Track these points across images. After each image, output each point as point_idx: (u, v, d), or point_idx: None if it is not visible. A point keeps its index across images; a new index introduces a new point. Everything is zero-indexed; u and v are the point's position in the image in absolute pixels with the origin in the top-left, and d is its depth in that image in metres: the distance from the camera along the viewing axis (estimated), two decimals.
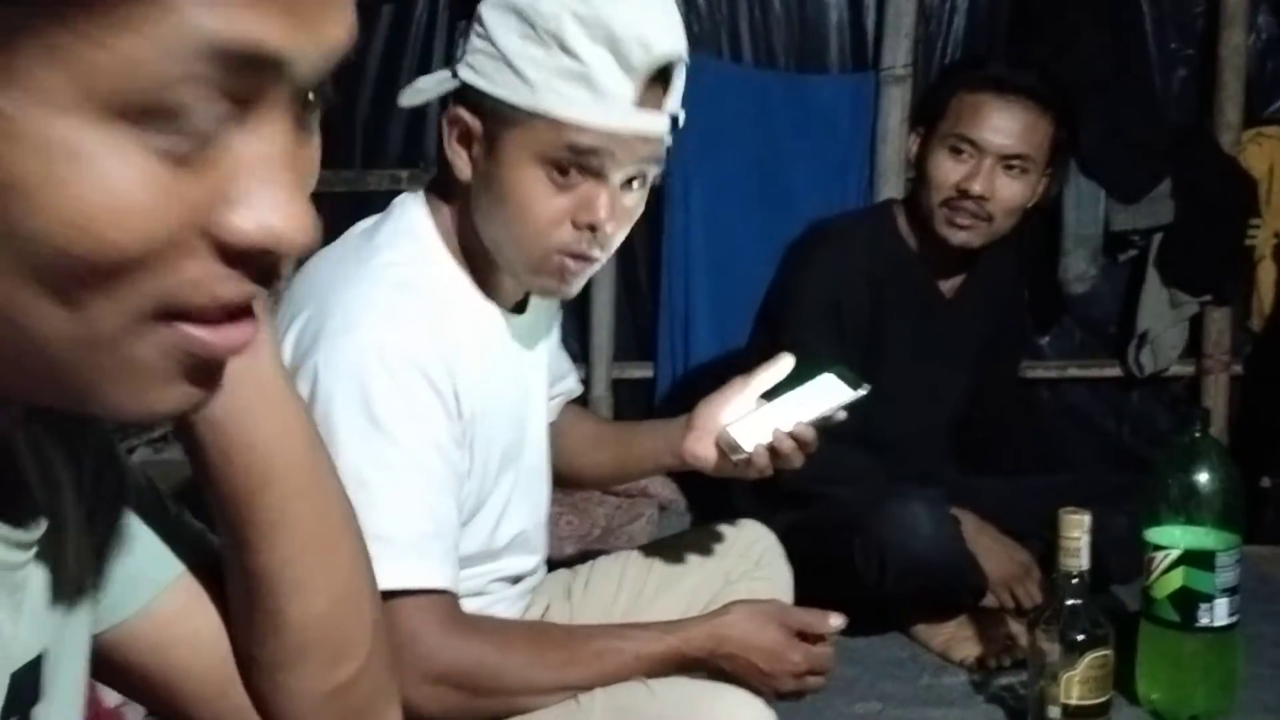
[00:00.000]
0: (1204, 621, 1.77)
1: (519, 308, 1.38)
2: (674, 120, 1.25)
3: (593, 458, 1.59)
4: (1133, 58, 2.98)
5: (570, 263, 1.26)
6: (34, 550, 0.58)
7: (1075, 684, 1.69)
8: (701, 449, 1.46)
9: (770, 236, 2.34)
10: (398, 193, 1.38)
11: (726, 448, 1.43)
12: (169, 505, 0.73)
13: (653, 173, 1.28)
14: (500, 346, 1.34)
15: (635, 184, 1.26)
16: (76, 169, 0.43)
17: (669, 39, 1.21)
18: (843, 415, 1.45)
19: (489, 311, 1.33)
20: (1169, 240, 3.01)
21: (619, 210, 1.25)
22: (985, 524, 2.11)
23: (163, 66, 0.43)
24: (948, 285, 2.24)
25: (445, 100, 1.28)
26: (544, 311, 1.45)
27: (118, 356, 0.48)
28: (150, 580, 0.70)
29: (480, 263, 1.32)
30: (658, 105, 1.23)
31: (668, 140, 1.26)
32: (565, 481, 1.55)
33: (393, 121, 3.03)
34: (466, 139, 1.25)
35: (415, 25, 3.01)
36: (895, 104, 3.00)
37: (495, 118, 1.22)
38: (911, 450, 2.22)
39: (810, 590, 1.63)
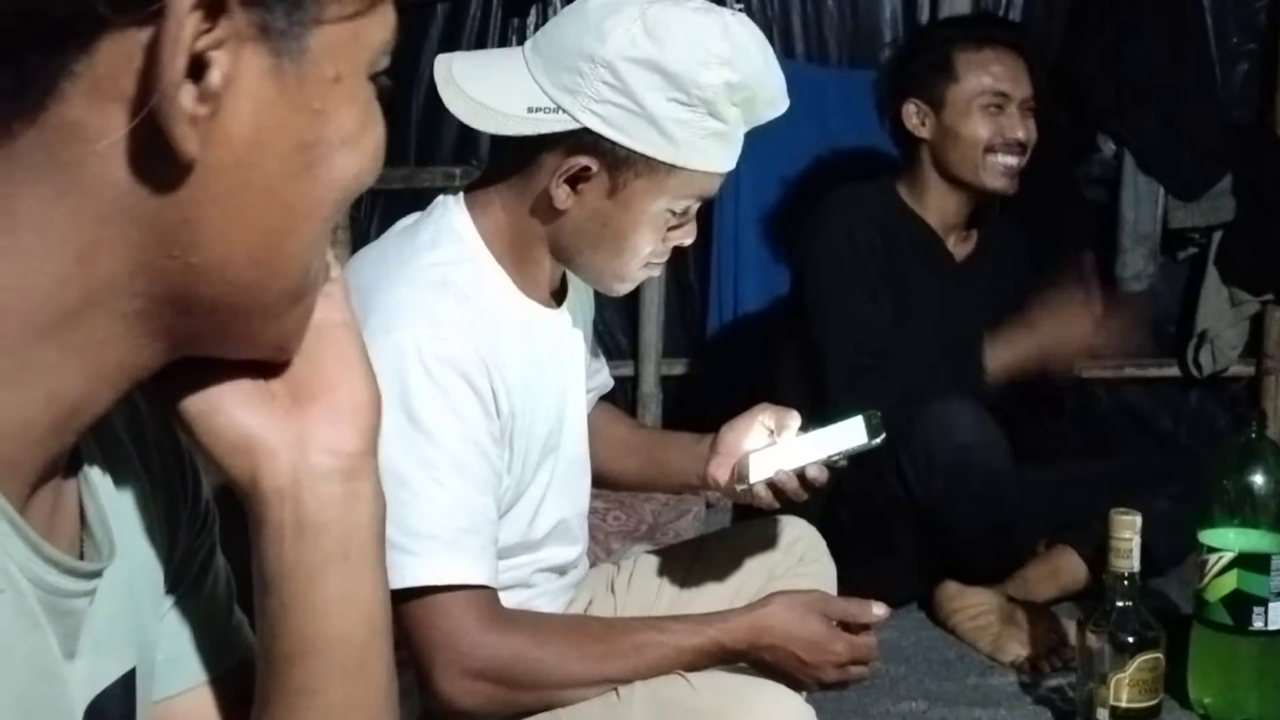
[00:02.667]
0: (1258, 625, 1.75)
1: (556, 302, 1.40)
2: None
3: (622, 463, 1.59)
4: (1193, 53, 2.93)
5: (655, 267, 1.37)
6: (95, 582, 0.59)
7: (1125, 686, 1.67)
8: (722, 474, 1.45)
9: None
10: (452, 190, 1.40)
11: (737, 477, 1.43)
12: (235, 606, 0.73)
13: None
14: (538, 342, 1.36)
15: None
16: (374, 115, 0.57)
17: (784, 93, 1.33)
18: (845, 461, 1.44)
19: (527, 308, 1.35)
20: (1229, 238, 2.96)
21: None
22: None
23: (384, 36, 0.57)
24: (960, 251, 2.33)
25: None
26: (580, 305, 1.46)
27: (318, 288, 0.61)
28: (186, 673, 0.70)
29: (527, 263, 1.34)
30: None
31: None
32: (593, 481, 1.56)
33: (446, 120, 3.04)
34: (578, 178, 1.28)
35: (469, 24, 3.02)
36: None
37: (625, 166, 1.27)
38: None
39: (860, 557, 1.63)
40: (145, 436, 0.66)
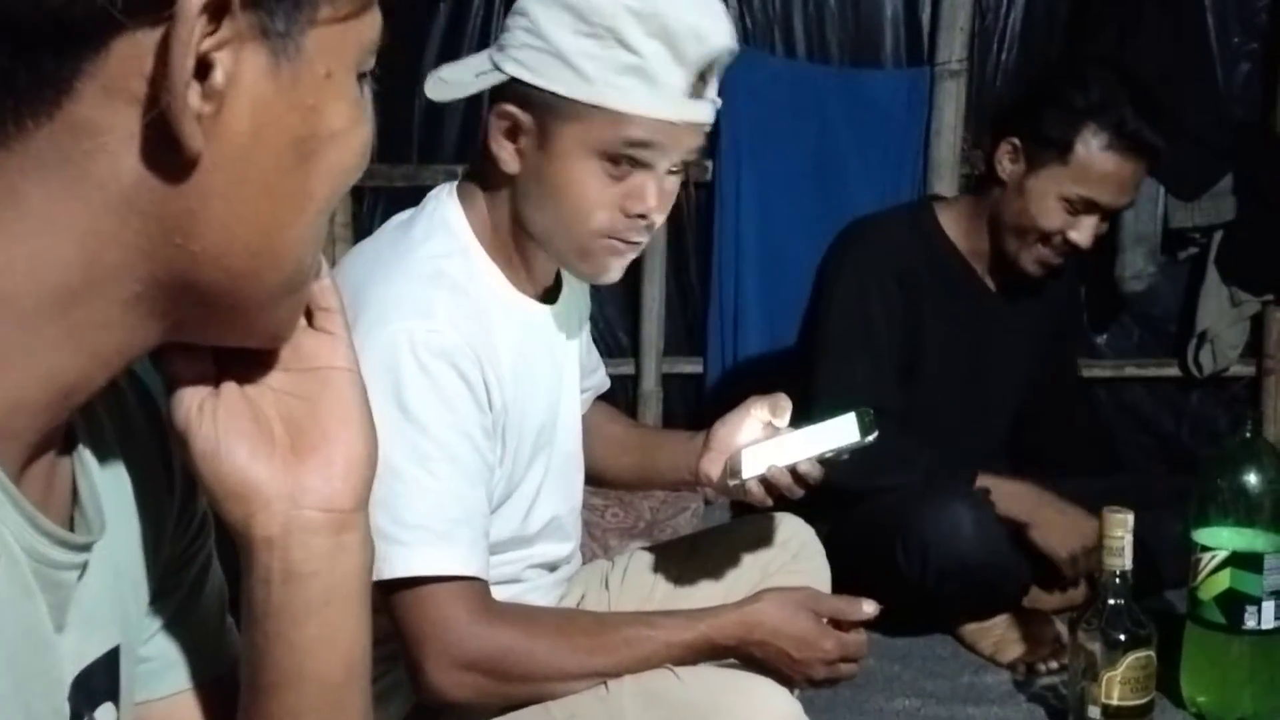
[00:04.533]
0: (1250, 624, 1.75)
1: (550, 298, 1.40)
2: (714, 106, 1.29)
3: (618, 461, 1.60)
4: (1195, 52, 2.93)
5: (620, 245, 1.30)
6: (86, 555, 0.61)
7: (1116, 684, 1.68)
8: (714, 470, 1.44)
9: (822, 233, 2.32)
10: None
11: (729, 472, 1.42)
12: (227, 614, 0.75)
13: (694, 159, 1.32)
14: (532, 336, 1.36)
15: (677, 170, 1.30)
16: (364, 111, 0.59)
17: (721, 31, 1.25)
18: (845, 457, 1.43)
19: (521, 302, 1.35)
20: (1230, 238, 2.96)
21: (666, 195, 1.29)
22: (1042, 498, 2.07)
23: (371, 35, 0.59)
24: (997, 280, 2.22)
25: (478, 94, 1.30)
26: (576, 302, 1.47)
27: (310, 280, 0.63)
28: (176, 677, 0.72)
29: (515, 254, 1.34)
30: (703, 94, 1.28)
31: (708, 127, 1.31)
32: (589, 479, 1.56)
33: (448, 117, 3.04)
34: (514, 133, 1.27)
35: (472, 21, 3.02)
36: (950, 99, 2.97)
37: (549, 111, 1.25)
38: (962, 447, 2.18)
39: (853, 591, 1.63)
40: (133, 437, 0.68)
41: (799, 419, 2.18)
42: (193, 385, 0.63)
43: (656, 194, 1.28)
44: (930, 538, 1.94)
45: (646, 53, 1.21)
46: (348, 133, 0.58)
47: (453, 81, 1.31)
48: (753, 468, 1.40)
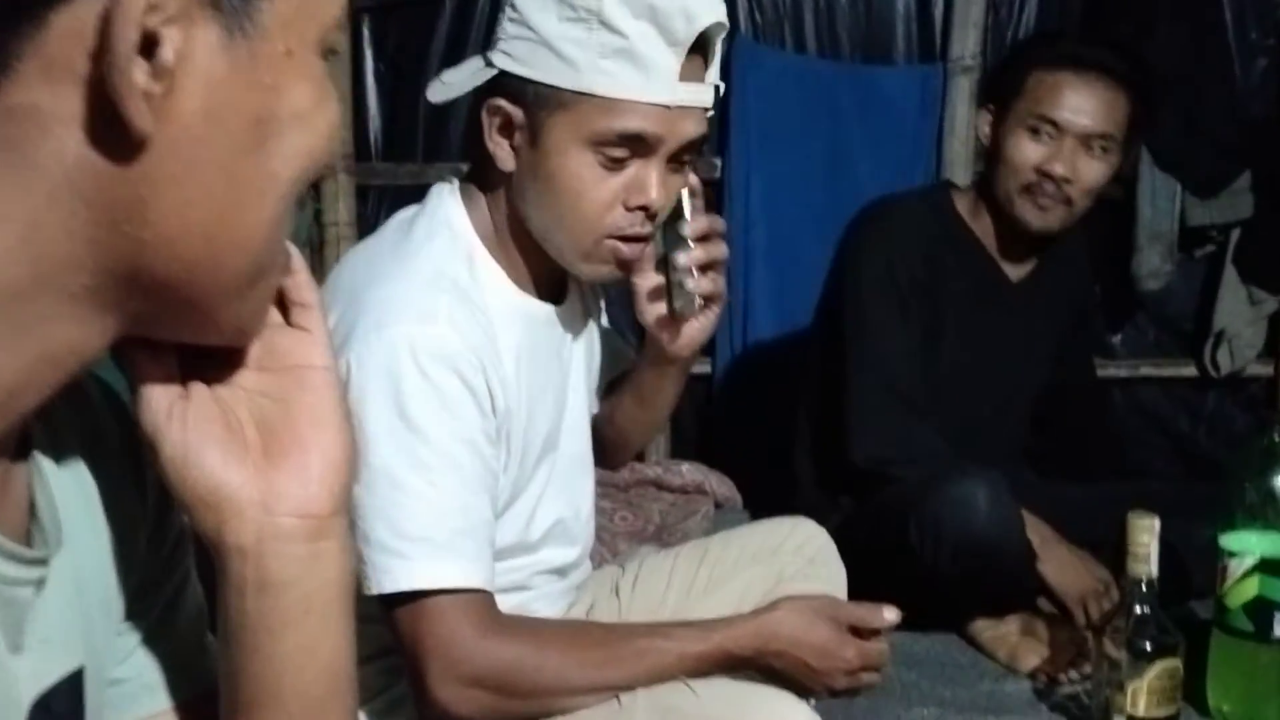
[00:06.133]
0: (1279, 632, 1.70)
1: (556, 298, 1.36)
2: (715, 90, 1.24)
3: (630, 416, 1.53)
4: (1211, 48, 2.89)
5: (623, 246, 1.25)
6: (43, 570, 0.58)
7: (1142, 694, 1.63)
8: (651, 314, 1.37)
9: (833, 233, 2.28)
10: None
11: (678, 296, 1.34)
12: (206, 632, 0.72)
13: (696, 149, 1.26)
14: (536, 339, 1.32)
15: (686, 160, 1.26)
16: (330, 92, 0.57)
17: (710, 8, 1.20)
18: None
19: (526, 303, 1.31)
20: (1248, 236, 2.93)
21: (669, 189, 1.24)
22: (1058, 536, 2.03)
23: (334, 13, 0.57)
24: (1016, 272, 2.19)
25: (479, 92, 1.26)
26: (584, 299, 1.42)
27: (277, 271, 0.60)
28: (154, 698, 0.69)
29: (518, 253, 1.30)
30: (700, 77, 1.23)
31: (709, 113, 1.25)
32: (623, 457, 1.51)
33: (454, 116, 3.02)
34: (508, 129, 1.23)
35: (478, 19, 2.99)
36: (963, 95, 2.93)
37: (538, 103, 1.20)
38: (981, 442, 2.15)
39: (867, 581, 1.59)
40: (101, 448, 0.65)
41: (823, 400, 2.16)
42: (160, 386, 0.60)
43: (658, 185, 1.23)
44: (943, 514, 1.90)
45: (633, 34, 1.16)
46: (312, 113, 0.56)
47: (451, 83, 1.28)
48: (673, 242, 1.32)
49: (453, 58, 2.97)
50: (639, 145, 1.21)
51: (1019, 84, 2.06)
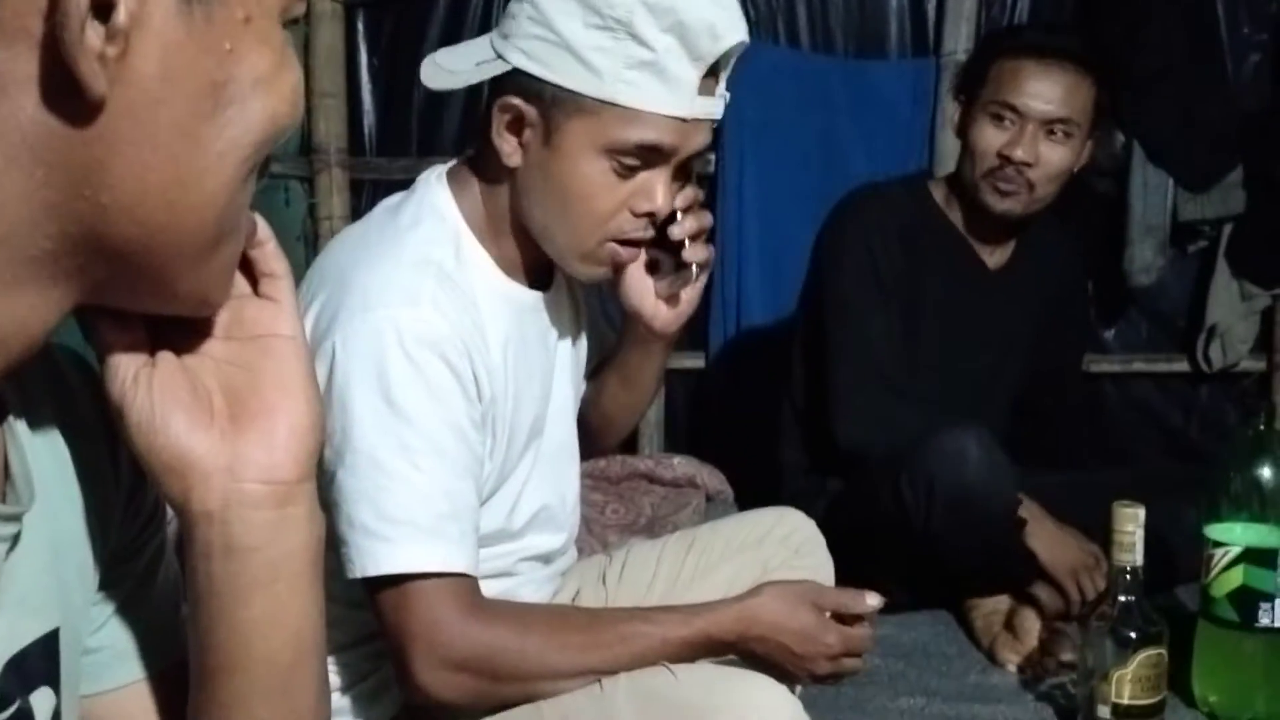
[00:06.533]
0: (1265, 622, 1.71)
1: (543, 285, 1.36)
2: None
3: (623, 398, 1.54)
4: (1204, 43, 2.89)
5: (622, 250, 1.27)
6: (16, 525, 0.58)
7: (1127, 683, 1.64)
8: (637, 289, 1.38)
9: None
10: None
11: (671, 269, 1.35)
12: (180, 603, 0.73)
13: (700, 157, 1.29)
14: (523, 326, 1.32)
15: (687, 168, 1.27)
16: (289, 59, 0.57)
17: (736, 27, 1.22)
18: None
19: (512, 289, 1.32)
20: (1240, 230, 2.92)
21: (672, 195, 1.26)
22: (1047, 514, 2.04)
23: None
24: (993, 257, 2.22)
25: (489, 84, 1.26)
26: (569, 288, 1.43)
27: (239, 239, 0.60)
28: (129, 668, 0.70)
29: (508, 242, 1.30)
30: (713, 90, 1.25)
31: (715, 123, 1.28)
32: (615, 441, 1.53)
33: (448, 110, 3.03)
34: (517, 126, 1.24)
35: (472, 12, 3.00)
36: None
37: (555, 105, 1.21)
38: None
39: (856, 565, 1.60)
40: (74, 417, 0.65)
41: (807, 386, 2.18)
42: (126, 354, 0.60)
43: (665, 193, 1.25)
44: (935, 469, 1.91)
45: (660, 48, 1.17)
46: (273, 79, 0.56)
47: (451, 69, 1.27)
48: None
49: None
50: (653, 155, 1.22)
51: (983, 74, 2.10)
